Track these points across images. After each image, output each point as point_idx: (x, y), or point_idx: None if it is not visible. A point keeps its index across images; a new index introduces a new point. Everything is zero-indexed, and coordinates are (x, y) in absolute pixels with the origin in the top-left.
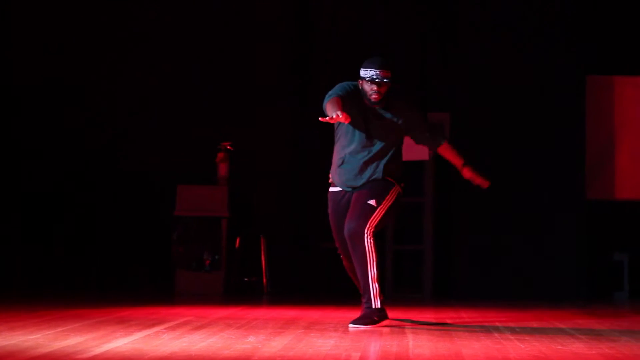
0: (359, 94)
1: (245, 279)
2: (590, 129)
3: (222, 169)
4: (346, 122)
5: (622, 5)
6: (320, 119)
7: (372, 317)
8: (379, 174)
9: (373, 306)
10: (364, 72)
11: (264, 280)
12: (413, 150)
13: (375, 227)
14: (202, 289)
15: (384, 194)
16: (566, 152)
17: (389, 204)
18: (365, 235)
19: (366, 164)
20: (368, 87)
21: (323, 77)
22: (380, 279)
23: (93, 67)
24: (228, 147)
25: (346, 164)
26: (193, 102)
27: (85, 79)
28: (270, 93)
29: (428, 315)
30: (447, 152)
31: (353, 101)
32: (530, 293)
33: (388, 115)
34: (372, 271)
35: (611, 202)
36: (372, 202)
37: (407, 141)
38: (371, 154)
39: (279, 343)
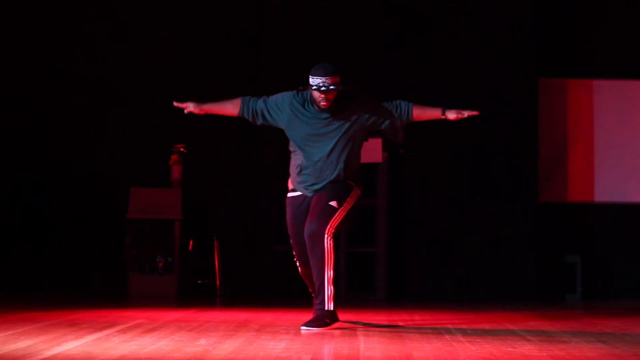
0: (307, 101)
1: (199, 282)
2: (543, 132)
3: (176, 172)
4: (195, 112)
5: (575, 8)
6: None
7: (324, 320)
8: (339, 177)
9: (326, 308)
10: (312, 80)
11: (217, 282)
12: (366, 153)
13: (336, 228)
14: (155, 291)
15: (345, 196)
16: (519, 155)
17: (350, 206)
18: (326, 236)
19: (324, 168)
20: (316, 95)
21: (276, 81)
22: (336, 281)
23: (48, 68)
24: (181, 149)
25: (304, 171)
26: (147, 104)
27: (40, 79)
28: (222, 95)
29: (380, 318)
30: (421, 113)
31: (294, 109)
32: (484, 295)
33: (342, 119)
34: (329, 273)
35: (564, 205)
36: (333, 203)
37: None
38: (329, 159)
39: (229, 346)
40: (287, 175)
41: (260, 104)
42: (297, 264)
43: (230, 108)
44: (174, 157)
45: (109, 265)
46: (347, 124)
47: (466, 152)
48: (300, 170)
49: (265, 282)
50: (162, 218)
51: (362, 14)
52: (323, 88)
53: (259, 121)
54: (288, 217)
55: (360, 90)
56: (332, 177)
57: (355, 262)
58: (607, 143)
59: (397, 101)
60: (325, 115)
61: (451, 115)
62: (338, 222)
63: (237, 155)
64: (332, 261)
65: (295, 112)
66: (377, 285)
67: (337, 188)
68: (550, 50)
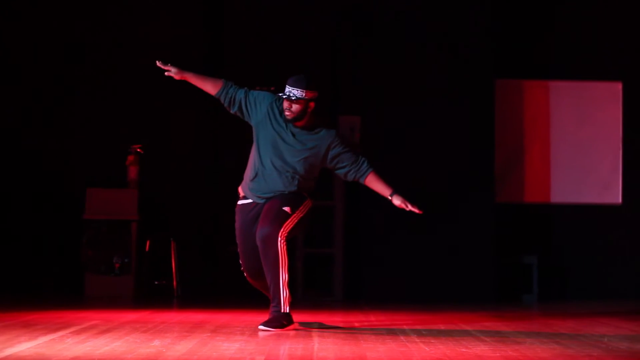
0: (281, 107)
1: (156, 283)
2: (500, 133)
3: (132, 172)
4: (175, 77)
5: (531, 10)
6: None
7: (281, 321)
8: (292, 188)
9: (282, 310)
10: (285, 89)
11: (174, 283)
12: None
13: (289, 233)
14: (111, 292)
15: (298, 204)
16: (476, 156)
17: (302, 214)
18: (279, 239)
19: (279, 179)
20: (284, 104)
21: (233, 79)
22: (291, 284)
23: (3, 67)
24: (138, 150)
25: (259, 178)
26: (103, 105)
27: None
28: (180, 96)
29: (337, 319)
30: (372, 183)
31: (271, 113)
32: (441, 296)
33: (309, 142)
34: (283, 276)
35: (520, 206)
36: (286, 208)
37: None
38: (285, 172)
39: (183, 347)
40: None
41: (241, 93)
42: (245, 274)
43: (210, 86)
44: (130, 157)
45: (65, 266)
46: (311, 151)
47: (423, 153)
48: (256, 176)
49: (222, 283)
50: (119, 219)
51: (315, 13)
52: (288, 97)
53: (233, 109)
54: (237, 225)
55: (336, 128)
56: (284, 191)
57: (312, 263)
58: (564, 144)
59: (362, 159)
60: (296, 130)
61: (396, 201)
62: (291, 227)
63: (194, 155)
64: (286, 264)
65: (270, 116)
66: (334, 286)
67: (289, 196)
68: (506, 51)
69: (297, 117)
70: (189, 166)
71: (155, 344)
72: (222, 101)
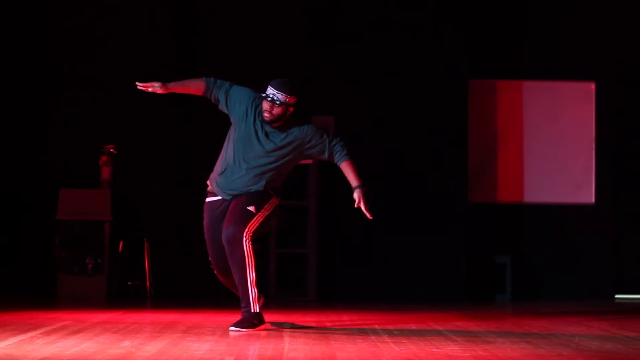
0: (260, 106)
1: (129, 283)
2: (473, 133)
3: (105, 172)
4: (159, 92)
5: (503, 10)
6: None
7: (251, 321)
8: (259, 187)
9: (252, 310)
10: (267, 90)
11: (148, 283)
12: None
13: (254, 232)
14: (84, 293)
15: (263, 202)
16: (449, 156)
17: (267, 213)
18: (244, 239)
19: (248, 176)
20: (264, 104)
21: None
22: (260, 283)
23: None
24: (111, 150)
25: (228, 172)
26: (76, 105)
27: None
28: (153, 96)
29: (309, 319)
30: (345, 169)
31: (249, 110)
32: (414, 296)
33: (283, 141)
34: (251, 275)
35: (494, 205)
36: (251, 208)
37: None
38: (256, 169)
39: (153, 347)
40: None
41: (222, 91)
42: (215, 272)
43: (195, 88)
44: (103, 158)
45: (38, 267)
46: (282, 151)
47: (397, 153)
48: (225, 170)
49: (195, 283)
50: (92, 219)
51: (289, 14)
52: (270, 99)
53: (219, 107)
54: (205, 222)
55: (310, 122)
56: (250, 189)
57: (286, 263)
58: (537, 144)
59: (341, 145)
60: (270, 130)
61: (355, 195)
62: (256, 226)
63: (166, 156)
64: (252, 263)
65: (248, 113)
66: (307, 286)
67: (255, 195)
68: (480, 51)
69: (276, 119)
70: (162, 166)
71: (125, 345)
72: (209, 98)
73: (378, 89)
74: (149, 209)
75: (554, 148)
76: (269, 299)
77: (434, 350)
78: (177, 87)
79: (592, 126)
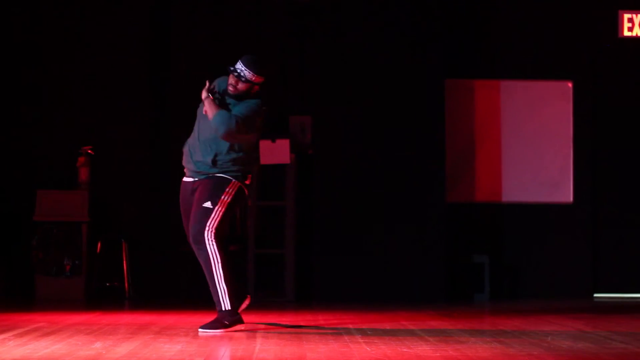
0: (225, 84)
1: (107, 284)
2: (451, 133)
3: (83, 174)
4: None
5: (480, 9)
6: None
7: (222, 322)
8: (207, 164)
9: (223, 308)
10: (236, 64)
11: (126, 285)
12: (274, 154)
13: (217, 229)
14: (62, 294)
15: (219, 193)
16: (426, 156)
17: (228, 201)
18: (206, 238)
19: (201, 150)
20: (230, 78)
21: (181, 79)
22: (232, 282)
23: None
24: (89, 151)
25: (189, 149)
26: (53, 106)
27: None
28: (128, 96)
29: (286, 319)
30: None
31: (215, 88)
32: (392, 296)
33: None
34: (218, 273)
35: (471, 205)
36: (207, 204)
37: (268, 145)
38: (205, 142)
39: (124, 349)
40: None
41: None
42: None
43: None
44: (81, 159)
45: (15, 268)
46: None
47: (374, 153)
48: (188, 147)
49: (173, 283)
50: (69, 220)
51: (264, 13)
52: (236, 74)
53: None
54: (180, 200)
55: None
56: (200, 162)
57: (263, 264)
58: (514, 143)
59: (235, 117)
60: (229, 101)
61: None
62: (217, 222)
63: (144, 157)
64: (219, 261)
65: (213, 90)
66: (285, 287)
67: (210, 185)
68: (456, 51)
69: (239, 95)
70: (140, 167)
71: (97, 346)
72: None
73: (355, 88)
74: (127, 210)
75: (531, 147)
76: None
77: (404, 350)
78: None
79: (569, 125)
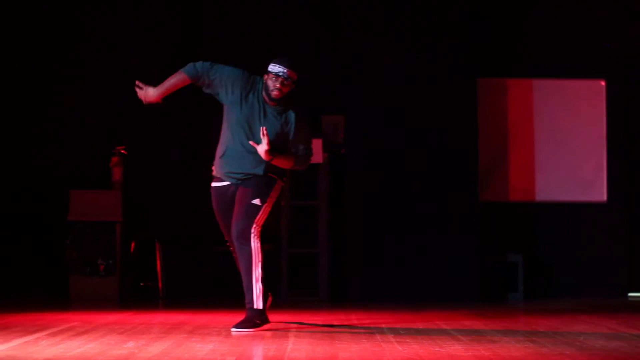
0: (256, 86)
1: (141, 284)
2: (483, 132)
3: (116, 174)
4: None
5: (512, 7)
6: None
7: (254, 321)
8: (259, 170)
9: (254, 306)
10: (272, 67)
11: (160, 284)
12: None
13: (262, 226)
14: (97, 294)
15: (268, 191)
16: (459, 155)
17: (273, 200)
18: (252, 235)
19: (249, 156)
20: (271, 83)
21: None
22: (266, 282)
23: None
24: (122, 151)
25: (228, 156)
26: (87, 106)
27: None
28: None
29: (318, 319)
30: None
31: (246, 91)
32: (425, 295)
33: (279, 120)
34: (257, 271)
35: (505, 204)
36: (256, 201)
37: None
38: (254, 152)
39: (156, 348)
40: None
41: (212, 75)
42: (231, 248)
43: (181, 83)
44: (114, 159)
45: (50, 268)
46: (280, 128)
47: (406, 152)
48: (224, 153)
49: (206, 283)
50: (103, 220)
51: (297, 12)
52: (281, 76)
53: (210, 88)
54: (214, 206)
55: (301, 107)
56: (252, 170)
57: (297, 263)
58: (548, 142)
59: (304, 152)
60: (270, 109)
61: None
62: (263, 218)
63: (178, 156)
64: (259, 260)
65: (244, 94)
66: (319, 286)
67: (259, 183)
68: (488, 50)
69: (283, 97)
70: (173, 167)
71: (129, 346)
72: (198, 84)
73: (387, 88)
74: (160, 210)
75: (565, 146)
76: (280, 299)
77: (436, 349)
78: (167, 88)
79: (603, 124)
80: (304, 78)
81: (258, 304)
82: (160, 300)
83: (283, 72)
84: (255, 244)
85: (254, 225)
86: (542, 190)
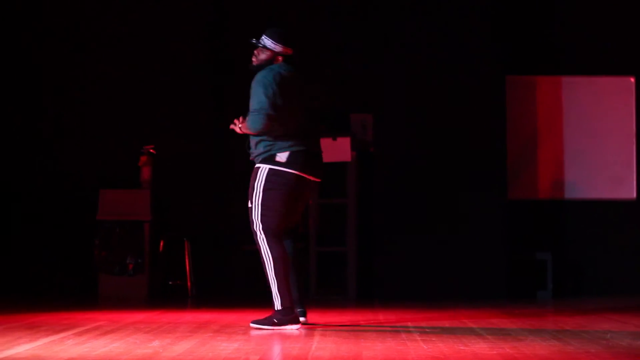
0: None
1: (170, 283)
2: (512, 129)
3: (145, 173)
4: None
5: (541, 4)
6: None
7: (271, 319)
8: (251, 150)
9: (274, 307)
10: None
11: (189, 283)
12: (335, 152)
13: (262, 222)
14: (125, 293)
15: (253, 189)
16: (488, 152)
17: (262, 193)
18: (259, 238)
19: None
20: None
21: (241, 77)
22: (287, 279)
23: (15, 69)
24: (151, 150)
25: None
26: (116, 105)
27: (7, 80)
28: (193, 96)
29: (346, 318)
30: None
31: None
32: (454, 293)
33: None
34: (271, 274)
35: (534, 202)
36: (249, 204)
37: (329, 143)
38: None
39: (181, 347)
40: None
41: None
42: None
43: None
44: (143, 158)
45: (79, 267)
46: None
47: (435, 150)
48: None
49: (235, 282)
50: (132, 219)
51: (326, 11)
52: (257, 42)
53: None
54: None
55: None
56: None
57: (325, 262)
58: (577, 139)
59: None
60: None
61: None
62: (260, 217)
63: (206, 155)
64: (271, 261)
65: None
66: (347, 285)
67: (251, 181)
68: (517, 47)
69: (260, 65)
70: (202, 166)
71: (154, 345)
72: None
73: (416, 85)
74: (189, 209)
75: (594, 143)
76: (309, 298)
77: (461, 347)
78: None
79: (632, 121)
80: (333, 76)
81: (277, 304)
82: (188, 299)
83: (261, 39)
84: (264, 245)
85: (256, 226)
86: (571, 188)
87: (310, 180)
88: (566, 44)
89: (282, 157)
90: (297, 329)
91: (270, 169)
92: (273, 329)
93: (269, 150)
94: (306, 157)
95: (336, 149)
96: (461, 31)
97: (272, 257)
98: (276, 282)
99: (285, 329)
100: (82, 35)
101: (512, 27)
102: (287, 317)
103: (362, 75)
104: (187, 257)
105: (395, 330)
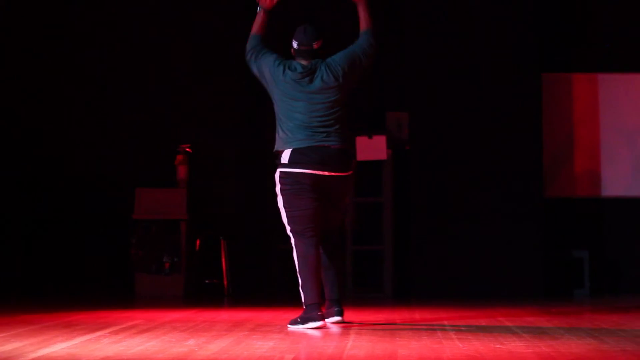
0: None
1: (206, 281)
2: (548, 127)
3: (181, 172)
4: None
5: (578, 1)
6: None
7: (296, 319)
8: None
9: (303, 305)
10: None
11: (225, 282)
12: (371, 150)
13: (290, 224)
14: (162, 291)
15: (274, 194)
16: (524, 150)
17: (279, 195)
18: (290, 237)
19: None
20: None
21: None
22: (315, 279)
23: (50, 67)
24: (187, 149)
25: None
26: (152, 104)
27: (42, 78)
28: (229, 95)
29: (382, 316)
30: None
31: None
32: (491, 292)
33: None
34: (300, 274)
35: (570, 200)
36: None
37: (365, 141)
38: None
39: (216, 346)
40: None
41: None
42: None
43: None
44: (179, 157)
45: (116, 266)
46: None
47: (471, 148)
48: None
49: (272, 280)
50: (168, 218)
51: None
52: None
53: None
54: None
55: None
56: None
57: (361, 260)
58: (613, 137)
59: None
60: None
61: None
62: (285, 219)
63: (243, 154)
64: (297, 262)
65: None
66: (383, 283)
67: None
68: (553, 45)
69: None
70: (238, 164)
71: (190, 343)
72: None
73: (451, 84)
74: (225, 207)
75: (631, 141)
76: (346, 296)
77: (497, 346)
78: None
79: None
80: (369, 74)
81: (306, 302)
82: (225, 298)
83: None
84: (293, 244)
85: (287, 228)
86: (608, 186)
87: (326, 175)
88: (603, 41)
89: (285, 157)
90: (316, 327)
91: (280, 171)
92: (297, 329)
93: (276, 154)
94: (311, 153)
95: (372, 147)
96: (497, 28)
97: (296, 255)
98: (300, 280)
99: (307, 328)
100: (114, 31)
101: (548, 24)
102: (307, 315)
103: (398, 73)
104: (223, 256)
105: (431, 329)
